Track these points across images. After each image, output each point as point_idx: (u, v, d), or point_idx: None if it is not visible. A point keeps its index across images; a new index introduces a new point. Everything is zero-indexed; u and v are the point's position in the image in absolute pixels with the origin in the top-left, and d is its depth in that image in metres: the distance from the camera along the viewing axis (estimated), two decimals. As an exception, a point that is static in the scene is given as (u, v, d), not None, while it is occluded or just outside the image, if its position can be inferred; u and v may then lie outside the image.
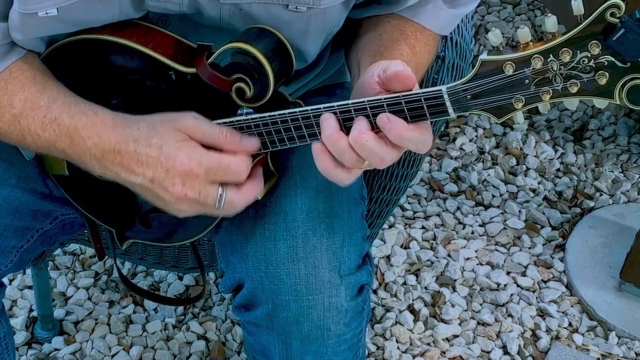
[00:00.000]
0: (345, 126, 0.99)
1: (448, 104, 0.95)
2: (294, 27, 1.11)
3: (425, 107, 0.96)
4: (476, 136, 2.44)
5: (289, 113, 1.03)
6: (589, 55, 0.88)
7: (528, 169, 2.36)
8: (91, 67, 1.13)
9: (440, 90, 0.94)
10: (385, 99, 0.97)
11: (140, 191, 1.07)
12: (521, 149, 2.41)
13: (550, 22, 0.89)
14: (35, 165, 1.27)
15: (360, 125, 0.97)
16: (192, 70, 1.07)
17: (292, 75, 1.09)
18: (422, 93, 0.95)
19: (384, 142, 0.97)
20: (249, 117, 1.05)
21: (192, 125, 1.04)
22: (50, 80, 1.12)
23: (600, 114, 2.53)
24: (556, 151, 2.41)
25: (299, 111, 1.02)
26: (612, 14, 0.85)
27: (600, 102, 0.91)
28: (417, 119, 0.97)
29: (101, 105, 1.09)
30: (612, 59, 0.87)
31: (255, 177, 1.08)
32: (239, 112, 1.07)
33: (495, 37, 0.92)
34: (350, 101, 0.99)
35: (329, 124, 0.99)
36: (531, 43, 0.90)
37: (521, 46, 0.91)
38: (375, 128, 0.98)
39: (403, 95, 0.96)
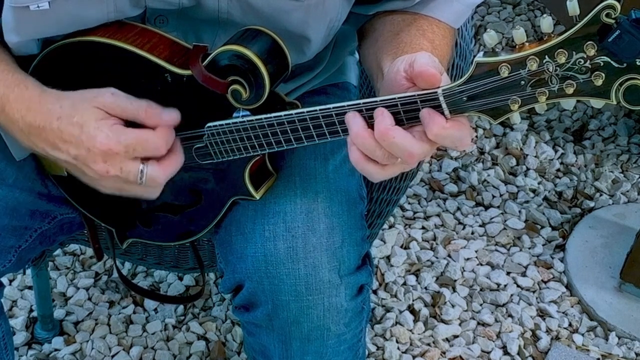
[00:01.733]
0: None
1: (444, 105, 0.95)
2: (293, 16, 1.11)
3: (421, 109, 0.96)
4: (476, 136, 2.44)
5: (285, 115, 1.03)
6: (585, 56, 0.87)
7: (528, 169, 2.36)
8: (87, 69, 1.13)
9: (436, 92, 0.94)
10: (381, 100, 0.97)
11: (66, 167, 1.11)
12: (521, 149, 2.41)
13: (546, 23, 0.89)
14: (34, 165, 1.27)
15: (385, 121, 0.97)
16: (188, 72, 1.07)
17: (288, 76, 1.09)
18: (418, 95, 0.95)
19: (412, 136, 0.97)
20: (245, 119, 1.06)
21: (111, 102, 1.06)
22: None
23: (600, 114, 2.53)
24: (556, 151, 2.41)
25: (296, 113, 1.02)
26: (607, 15, 0.85)
27: (596, 103, 0.91)
28: (413, 121, 0.97)
29: (34, 78, 1.11)
30: (608, 60, 0.87)
31: (175, 150, 1.09)
32: (235, 114, 1.07)
33: (490, 38, 0.92)
34: (345, 103, 0.99)
35: (355, 122, 0.98)
36: (527, 44, 0.90)
37: (517, 47, 0.91)
38: (405, 123, 0.97)
39: (399, 97, 0.96)
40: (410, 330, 1.96)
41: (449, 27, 1.20)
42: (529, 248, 2.15)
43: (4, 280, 1.34)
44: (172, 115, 1.07)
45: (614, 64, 0.87)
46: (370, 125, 0.98)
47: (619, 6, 0.84)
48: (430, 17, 1.18)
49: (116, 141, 1.04)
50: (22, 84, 1.10)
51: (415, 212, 2.24)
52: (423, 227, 2.20)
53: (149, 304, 1.99)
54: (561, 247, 2.15)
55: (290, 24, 1.11)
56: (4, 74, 1.11)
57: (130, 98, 1.07)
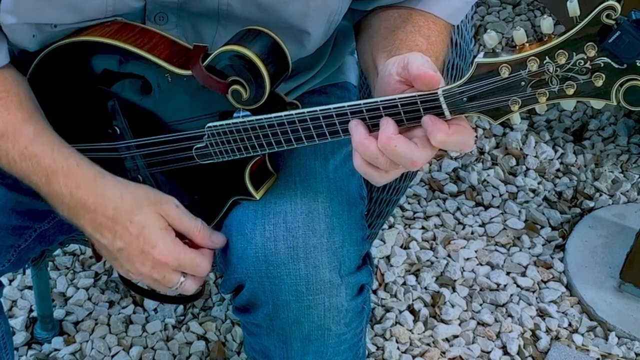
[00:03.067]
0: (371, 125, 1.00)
1: (444, 106, 0.95)
2: (293, 7, 1.11)
3: (422, 110, 0.96)
4: (476, 136, 2.44)
5: (285, 115, 1.03)
6: (585, 57, 0.87)
7: (528, 169, 2.36)
8: (87, 70, 1.13)
9: (437, 92, 0.94)
10: (382, 101, 0.97)
11: (98, 246, 1.13)
12: (521, 149, 2.41)
13: (546, 24, 0.89)
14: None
15: (388, 130, 0.97)
16: (188, 72, 1.07)
17: (289, 76, 1.09)
18: (418, 95, 0.95)
19: (414, 144, 0.97)
20: (245, 119, 1.06)
21: (175, 214, 1.11)
22: (37, 113, 1.14)
23: (600, 114, 2.53)
24: (556, 151, 2.41)
25: (296, 113, 1.02)
26: (607, 16, 0.85)
27: (597, 103, 0.91)
28: (413, 121, 0.97)
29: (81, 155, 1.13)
30: (608, 61, 0.87)
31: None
32: (235, 114, 1.07)
33: (490, 39, 0.92)
34: (346, 104, 0.99)
35: (357, 130, 0.99)
36: (527, 45, 0.90)
37: (517, 48, 0.91)
38: (405, 123, 0.98)
39: (399, 98, 0.96)
40: (410, 330, 1.96)
41: (445, 24, 1.20)
42: (529, 248, 2.15)
43: (4, 280, 1.34)
44: (220, 239, 1.15)
45: (614, 64, 0.87)
46: (374, 132, 0.98)
47: (619, 7, 0.84)
48: (426, 13, 1.18)
49: (174, 257, 1.10)
50: (72, 158, 1.12)
51: (415, 212, 2.24)
52: (423, 227, 2.20)
53: (149, 304, 1.99)
54: (561, 247, 2.15)
55: (290, 15, 1.11)
56: (48, 145, 1.12)
57: (189, 214, 1.12)
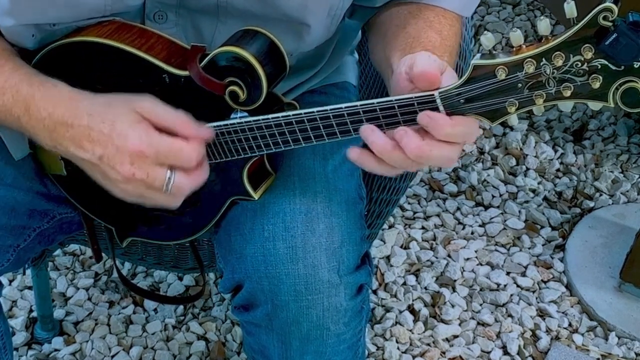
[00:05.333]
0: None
1: (441, 107, 0.95)
2: None
3: (418, 111, 0.96)
4: (476, 136, 2.44)
5: (283, 116, 1.03)
6: (582, 59, 0.87)
7: (528, 169, 2.36)
8: (85, 70, 1.14)
9: (433, 94, 0.94)
10: (378, 102, 0.97)
11: (88, 168, 1.07)
12: (521, 149, 2.41)
13: (543, 25, 0.89)
14: (33, 164, 1.27)
15: (415, 140, 0.96)
16: (186, 73, 1.07)
17: (286, 76, 1.09)
18: (415, 97, 0.95)
19: (446, 144, 0.97)
20: (242, 120, 1.06)
21: (149, 107, 1.04)
22: (14, 54, 1.13)
23: (600, 114, 2.53)
24: (556, 151, 2.41)
25: (294, 115, 1.02)
26: (604, 18, 0.85)
27: (594, 105, 0.91)
28: (410, 123, 0.97)
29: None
30: (605, 63, 0.87)
31: (203, 164, 1.08)
32: (232, 115, 1.07)
33: (487, 40, 0.92)
34: (343, 105, 0.99)
35: (377, 136, 0.98)
36: (524, 46, 0.90)
37: (514, 49, 0.91)
38: (401, 124, 0.98)
39: (396, 100, 0.96)
40: (410, 330, 1.96)
41: (456, 16, 1.19)
42: (529, 248, 2.15)
43: (4, 280, 1.34)
44: (207, 130, 1.06)
45: (611, 66, 0.87)
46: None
47: (616, 9, 0.84)
48: (436, 7, 1.18)
49: (149, 144, 1.02)
50: (49, 82, 1.08)
51: (415, 212, 2.24)
52: (423, 227, 2.20)
53: (149, 304, 1.99)
54: (561, 247, 2.15)
55: (289, 7, 1.11)
56: (27, 75, 1.09)
57: (168, 107, 1.05)
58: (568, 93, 0.89)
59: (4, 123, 1.11)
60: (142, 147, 1.02)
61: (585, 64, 0.88)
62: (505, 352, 1.93)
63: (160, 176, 1.03)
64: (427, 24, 1.15)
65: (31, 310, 1.96)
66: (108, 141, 1.02)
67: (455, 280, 2.06)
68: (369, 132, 0.99)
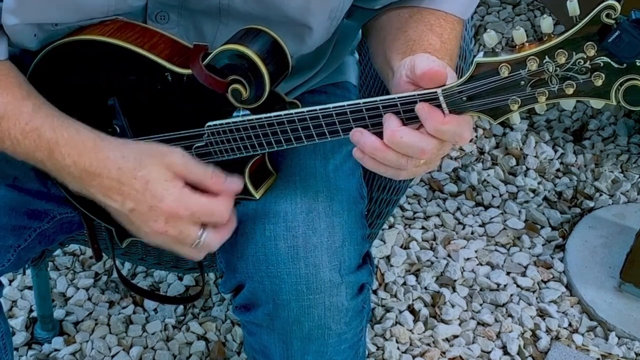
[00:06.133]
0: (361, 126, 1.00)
1: (444, 105, 0.95)
2: (294, 1, 1.11)
3: (417, 103, 0.96)
4: (476, 136, 2.44)
5: (285, 114, 1.03)
6: (585, 56, 0.87)
7: (528, 169, 2.36)
8: (87, 68, 1.14)
9: (436, 92, 0.94)
10: (381, 100, 0.97)
11: (116, 215, 1.09)
12: (521, 149, 2.41)
13: (546, 23, 0.89)
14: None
15: (391, 124, 0.97)
16: (188, 71, 1.07)
17: (289, 75, 1.09)
18: (418, 95, 0.95)
19: (420, 133, 0.97)
20: (245, 118, 1.06)
21: (181, 164, 1.05)
22: (35, 91, 1.13)
23: (600, 114, 2.53)
24: (556, 151, 2.41)
25: (295, 113, 1.02)
26: (607, 15, 0.85)
27: (596, 103, 0.91)
28: (413, 120, 0.97)
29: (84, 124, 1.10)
30: (608, 60, 0.87)
31: (232, 217, 1.10)
32: (235, 113, 1.07)
33: (490, 38, 0.92)
34: (346, 103, 0.99)
35: (366, 137, 0.99)
36: (527, 44, 0.90)
37: (517, 47, 0.91)
38: (404, 123, 0.98)
39: (399, 97, 0.96)
40: (410, 330, 1.96)
41: (457, 19, 1.19)
42: (529, 248, 2.15)
43: (4, 280, 1.34)
44: (236, 183, 1.08)
45: (613, 64, 0.87)
46: (374, 132, 0.99)
47: (619, 7, 0.84)
48: (436, 11, 1.18)
49: (185, 206, 1.04)
50: (72, 127, 1.08)
51: (415, 212, 2.24)
52: (423, 227, 2.20)
53: (149, 304, 1.99)
54: (561, 247, 2.15)
55: (291, 10, 1.11)
56: (49, 118, 1.09)
57: (198, 162, 1.07)
58: (571, 91, 0.89)
59: (28, 162, 1.12)
60: (179, 208, 1.04)
61: (588, 61, 0.88)
62: (505, 352, 1.93)
63: (193, 234, 1.06)
64: (428, 27, 1.15)
65: (31, 310, 1.96)
66: (141, 199, 1.04)
67: (455, 280, 2.06)
68: (358, 135, 0.99)
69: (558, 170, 2.37)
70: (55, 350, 1.90)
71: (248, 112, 1.07)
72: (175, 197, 1.04)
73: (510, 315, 2.00)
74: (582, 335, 1.97)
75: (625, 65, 0.87)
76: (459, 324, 1.98)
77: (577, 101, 0.92)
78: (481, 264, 2.12)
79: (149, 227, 1.05)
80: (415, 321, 1.98)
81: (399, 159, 0.98)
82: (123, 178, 1.05)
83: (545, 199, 2.28)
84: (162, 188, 1.04)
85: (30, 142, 1.09)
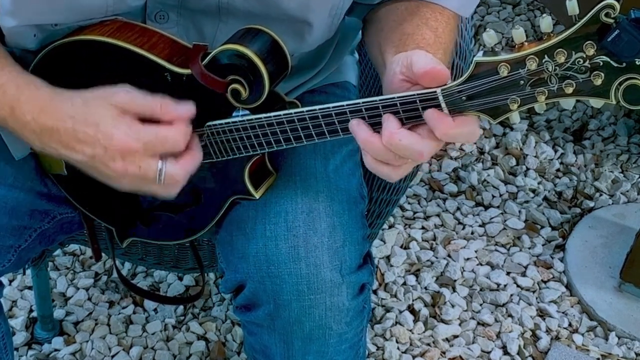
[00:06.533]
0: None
1: (443, 105, 0.94)
2: None
3: (420, 109, 0.96)
4: (476, 136, 2.44)
5: (284, 114, 1.03)
6: (584, 55, 0.87)
7: (528, 169, 2.36)
8: (87, 68, 1.14)
9: (435, 91, 0.94)
10: (380, 100, 0.97)
11: (82, 167, 1.08)
12: (521, 149, 2.41)
13: (545, 23, 0.89)
14: (33, 164, 1.27)
15: (390, 125, 0.97)
16: (188, 71, 1.07)
17: (288, 75, 1.09)
18: (417, 94, 0.95)
19: (418, 135, 0.97)
20: (244, 118, 1.06)
21: (127, 99, 1.04)
22: (1, 50, 1.12)
23: (600, 114, 2.53)
24: (556, 151, 2.41)
25: (295, 112, 1.02)
26: (606, 15, 0.84)
27: (596, 102, 0.90)
28: (412, 120, 0.97)
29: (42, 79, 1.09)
30: (607, 60, 0.87)
31: (193, 147, 1.08)
32: (234, 113, 1.07)
33: (489, 38, 0.92)
34: (345, 103, 0.99)
35: (360, 129, 0.99)
36: (526, 44, 0.90)
37: (516, 47, 0.91)
38: (404, 122, 0.98)
39: (398, 97, 0.96)
40: (410, 330, 1.96)
41: (453, 15, 1.19)
42: (529, 248, 2.15)
43: (4, 280, 1.34)
44: (188, 109, 1.06)
45: (613, 63, 0.87)
46: (373, 126, 0.98)
47: (618, 6, 0.84)
48: (434, 4, 1.18)
49: (135, 138, 1.03)
50: (32, 84, 1.08)
51: (415, 212, 2.24)
52: (423, 227, 2.20)
53: (149, 304, 1.99)
54: (561, 247, 2.15)
55: (290, 7, 1.11)
56: (12, 74, 1.09)
57: (144, 94, 1.05)
58: (570, 90, 0.89)
59: None
60: (129, 142, 1.02)
61: (587, 60, 0.88)
62: (505, 352, 1.93)
63: (152, 167, 1.04)
64: (423, 21, 1.15)
65: (31, 310, 1.96)
66: (95, 142, 1.03)
67: (455, 280, 2.06)
68: (355, 124, 0.99)
69: (558, 170, 2.37)
70: (55, 350, 1.90)
71: (248, 112, 1.07)
72: (124, 131, 1.02)
73: (510, 315, 2.00)
74: (582, 335, 1.97)
75: (624, 64, 0.87)
76: (459, 324, 1.98)
77: (577, 101, 0.91)
78: (481, 264, 2.12)
79: (110, 170, 1.04)
80: (415, 321, 1.98)
81: (386, 152, 0.98)
82: (76, 126, 1.04)
83: (545, 199, 2.28)
84: (111, 125, 1.03)
85: None
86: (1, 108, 1.08)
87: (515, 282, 2.07)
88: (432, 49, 1.08)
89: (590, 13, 0.85)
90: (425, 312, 1.99)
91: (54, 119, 1.05)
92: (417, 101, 0.95)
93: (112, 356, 1.90)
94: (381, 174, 1.01)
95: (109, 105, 1.04)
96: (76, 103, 1.05)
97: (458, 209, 2.25)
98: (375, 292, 2.03)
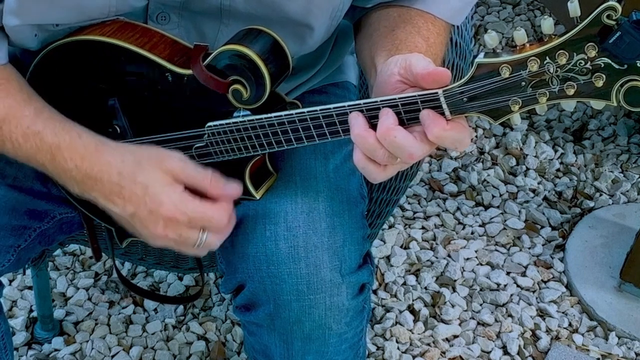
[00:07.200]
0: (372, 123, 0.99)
1: (444, 106, 0.95)
2: (295, 2, 1.11)
3: (422, 110, 0.96)
4: (476, 136, 2.44)
5: (285, 115, 1.03)
6: (586, 57, 0.87)
7: (528, 169, 2.36)
8: (88, 69, 1.14)
9: (437, 92, 0.94)
10: (381, 100, 0.97)
11: (116, 217, 1.10)
12: (521, 149, 2.41)
13: (547, 24, 0.89)
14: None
15: (388, 120, 0.97)
16: (189, 71, 1.07)
17: (289, 75, 1.09)
18: (419, 95, 0.95)
19: (413, 137, 0.97)
20: (245, 118, 1.06)
21: (179, 168, 1.07)
22: (36, 95, 1.13)
23: (600, 114, 2.53)
24: (556, 151, 2.41)
25: (296, 113, 1.02)
26: (608, 17, 0.85)
27: (597, 104, 0.91)
28: (413, 121, 0.97)
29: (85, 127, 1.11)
30: (609, 61, 0.87)
31: (232, 219, 1.11)
32: (235, 113, 1.07)
33: (491, 39, 0.92)
34: (346, 103, 0.99)
35: (357, 122, 0.99)
36: (527, 45, 0.90)
37: (517, 48, 0.91)
38: (405, 124, 0.98)
39: (399, 98, 0.96)
40: (410, 330, 1.96)
41: (445, 24, 1.20)
42: (529, 248, 2.15)
43: (4, 280, 1.34)
44: (234, 188, 1.09)
45: (614, 65, 0.87)
46: (372, 126, 0.98)
47: (620, 8, 0.84)
48: (425, 13, 1.18)
49: (182, 212, 1.05)
50: (74, 131, 1.10)
51: (415, 212, 2.24)
52: (423, 227, 2.20)
53: (149, 304, 1.99)
54: (561, 247, 2.15)
55: (292, 11, 1.11)
56: (50, 122, 1.10)
57: (197, 166, 1.08)
58: (571, 92, 0.89)
59: (29, 165, 1.13)
60: (176, 214, 1.05)
61: (589, 62, 0.88)
62: (505, 352, 1.93)
63: (192, 238, 1.07)
64: (415, 30, 1.15)
65: (31, 310, 1.96)
66: (141, 203, 1.05)
67: (455, 280, 2.06)
68: (353, 116, 0.99)
69: (558, 170, 2.37)
70: (55, 350, 1.90)
71: (248, 112, 1.07)
72: (173, 202, 1.05)
73: (510, 315, 2.00)
74: (582, 335, 1.97)
75: (626, 66, 0.87)
76: (459, 324, 1.98)
77: (578, 102, 0.92)
78: (481, 264, 2.12)
79: (150, 231, 1.07)
80: (415, 321, 1.98)
81: (377, 149, 0.98)
82: (123, 182, 1.06)
83: (545, 199, 2.28)
84: (161, 192, 1.05)
85: (31, 146, 1.09)
86: (40, 154, 1.09)
87: (515, 282, 2.07)
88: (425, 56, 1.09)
89: (592, 15, 0.85)
90: (425, 312, 1.99)
91: (98, 170, 1.07)
92: (419, 102, 0.95)
93: (112, 356, 1.90)
94: (367, 172, 1.01)
95: (161, 171, 1.06)
96: (127, 159, 1.07)
97: (458, 209, 2.25)
98: (375, 292, 2.03)
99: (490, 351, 1.93)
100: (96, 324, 1.95)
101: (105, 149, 1.09)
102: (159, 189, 1.05)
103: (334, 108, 1.00)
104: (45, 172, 1.12)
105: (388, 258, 2.11)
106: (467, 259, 2.12)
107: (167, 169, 1.06)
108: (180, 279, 2.05)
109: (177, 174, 1.06)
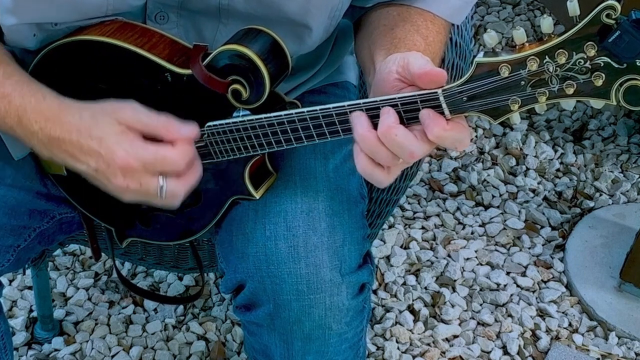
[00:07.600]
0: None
1: (444, 105, 0.95)
2: (294, 2, 1.11)
3: (421, 109, 0.96)
4: (476, 136, 2.44)
5: (285, 115, 1.03)
6: (585, 56, 0.87)
7: (528, 169, 2.36)
8: (87, 69, 1.14)
9: (437, 92, 0.94)
10: (381, 100, 0.97)
11: (87, 177, 1.09)
12: (521, 149, 2.41)
13: (546, 24, 0.89)
14: (33, 164, 1.27)
15: (388, 119, 0.97)
16: (188, 71, 1.07)
17: (288, 75, 1.09)
18: (419, 95, 0.95)
19: (414, 135, 0.97)
20: (245, 118, 1.06)
21: (131, 116, 1.06)
22: (7, 57, 1.13)
23: (600, 114, 2.53)
24: (556, 151, 2.41)
25: (296, 113, 1.02)
26: (607, 16, 0.85)
27: (596, 103, 0.91)
28: (413, 121, 0.97)
29: (50, 89, 1.10)
30: (608, 60, 0.87)
31: (194, 164, 1.09)
32: (234, 113, 1.07)
33: (490, 38, 0.92)
34: (346, 103, 0.99)
35: (359, 122, 0.98)
36: (527, 44, 0.90)
37: (517, 47, 0.91)
38: (405, 123, 0.97)
39: (399, 97, 0.96)
40: (410, 330, 1.96)
41: (444, 23, 1.20)
42: (529, 248, 2.15)
43: (4, 280, 1.34)
44: (191, 130, 1.07)
45: (614, 64, 0.87)
46: (373, 126, 0.98)
47: (619, 7, 0.84)
48: (425, 12, 1.18)
49: (134, 157, 1.04)
50: (39, 93, 1.09)
51: (415, 212, 2.24)
52: (423, 227, 2.20)
53: (149, 304, 1.99)
54: (561, 247, 2.15)
55: (291, 10, 1.11)
56: (18, 84, 1.10)
57: (150, 113, 1.06)
58: (571, 91, 0.89)
59: (1, 129, 1.13)
60: (129, 160, 1.04)
61: (588, 61, 0.88)
62: (505, 352, 1.93)
63: (152, 185, 1.06)
64: (415, 28, 1.15)
65: (31, 310, 1.96)
66: (98, 156, 1.05)
67: (455, 280, 2.06)
68: (355, 116, 0.99)
69: (558, 170, 2.37)
70: (55, 350, 1.90)
71: (248, 112, 1.07)
72: (125, 149, 1.04)
73: (510, 315, 2.00)
74: (582, 335, 1.97)
75: (625, 65, 0.87)
76: (459, 324, 1.98)
77: (577, 101, 0.92)
78: (481, 264, 2.12)
79: (112, 184, 1.07)
80: (415, 321, 1.98)
81: (381, 149, 0.98)
82: (82, 139, 1.06)
83: (545, 199, 2.28)
84: (114, 142, 1.05)
85: (0, 108, 1.09)
86: (8, 117, 1.09)
87: (515, 282, 2.07)
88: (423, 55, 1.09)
89: (592, 14, 0.85)
90: (425, 312, 1.99)
91: (60, 130, 1.07)
92: (419, 101, 0.95)
93: (112, 356, 1.90)
94: (374, 178, 1.01)
95: (114, 121, 1.05)
96: (84, 116, 1.07)
97: (458, 209, 2.25)
98: (375, 292, 2.03)
99: (490, 351, 1.93)
100: (96, 324, 1.95)
101: (66, 109, 1.08)
102: (112, 139, 1.05)
103: (333, 108, 1.00)
104: (16, 137, 1.12)
105: (388, 258, 2.11)
106: (467, 259, 2.12)
107: (120, 119, 1.05)
108: (180, 279, 2.05)
109: (130, 122, 1.05)
